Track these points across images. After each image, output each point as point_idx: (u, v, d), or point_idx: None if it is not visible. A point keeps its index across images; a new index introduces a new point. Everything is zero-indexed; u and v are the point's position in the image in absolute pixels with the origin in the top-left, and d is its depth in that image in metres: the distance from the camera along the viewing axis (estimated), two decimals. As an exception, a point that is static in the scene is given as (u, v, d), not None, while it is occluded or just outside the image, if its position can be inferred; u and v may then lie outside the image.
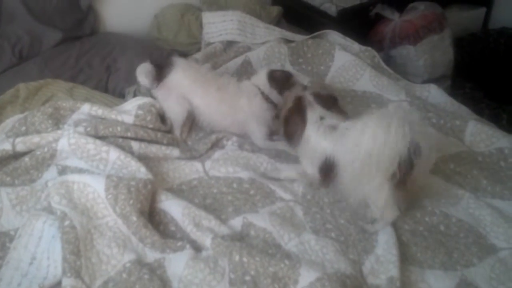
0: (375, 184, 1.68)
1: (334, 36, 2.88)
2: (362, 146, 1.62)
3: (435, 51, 3.03)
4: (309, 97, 2.01)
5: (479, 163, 2.12)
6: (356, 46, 2.80)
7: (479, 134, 2.21)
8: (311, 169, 1.96)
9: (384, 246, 1.69)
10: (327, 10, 3.14)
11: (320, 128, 1.90)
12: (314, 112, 1.96)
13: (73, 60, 2.59)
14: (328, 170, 1.87)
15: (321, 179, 1.94)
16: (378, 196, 1.72)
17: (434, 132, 2.20)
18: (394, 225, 1.77)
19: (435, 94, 2.52)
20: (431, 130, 2.15)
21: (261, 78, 2.18)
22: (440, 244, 1.77)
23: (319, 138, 1.89)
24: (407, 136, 1.59)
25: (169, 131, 2.23)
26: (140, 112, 2.16)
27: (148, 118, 2.16)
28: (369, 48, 2.79)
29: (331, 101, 2.04)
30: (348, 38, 2.86)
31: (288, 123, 2.06)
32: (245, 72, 2.62)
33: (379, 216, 1.77)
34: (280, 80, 2.14)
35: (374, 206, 1.76)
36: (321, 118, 1.93)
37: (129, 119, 2.14)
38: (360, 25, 3.18)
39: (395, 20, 3.11)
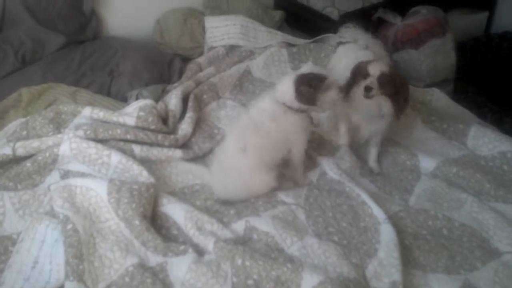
0: None
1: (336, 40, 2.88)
2: None
3: (437, 55, 3.03)
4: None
5: (482, 166, 2.11)
6: (358, 50, 2.80)
7: (482, 138, 2.21)
8: None
9: (386, 249, 1.68)
10: (329, 14, 3.14)
11: None
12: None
13: (76, 64, 2.59)
14: None
15: None
16: None
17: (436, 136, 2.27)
18: (396, 227, 1.76)
19: (438, 98, 2.52)
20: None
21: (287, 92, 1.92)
22: (443, 247, 1.76)
23: None
24: None
25: (171, 132, 2.23)
26: (141, 113, 2.17)
27: (150, 119, 2.17)
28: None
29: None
30: (350, 42, 2.85)
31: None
32: (246, 80, 2.65)
33: None
34: (309, 96, 1.87)
35: None
36: None
37: (130, 121, 2.15)
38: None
39: (397, 24, 3.11)
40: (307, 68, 1.96)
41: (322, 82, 1.87)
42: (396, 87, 1.94)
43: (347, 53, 2.27)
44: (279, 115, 1.90)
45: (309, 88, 1.86)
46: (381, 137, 2.16)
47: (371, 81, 1.92)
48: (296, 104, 1.89)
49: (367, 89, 1.92)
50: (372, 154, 2.18)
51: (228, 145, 1.95)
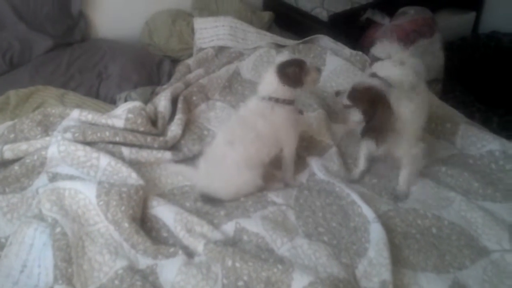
0: None
1: (325, 41, 2.89)
2: None
3: (425, 55, 3.04)
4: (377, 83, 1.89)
5: (470, 166, 2.13)
6: (347, 50, 2.81)
7: (470, 137, 2.22)
8: None
9: (375, 248, 1.69)
10: (318, 15, 3.15)
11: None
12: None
13: (64, 66, 2.58)
14: None
15: None
16: None
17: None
18: (386, 227, 1.77)
19: (426, 97, 2.53)
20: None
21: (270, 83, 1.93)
22: (432, 246, 1.77)
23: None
24: None
25: (160, 134, 2.23)
26: (130, 115, 2.17)
27: (139, 121, 2.16)
28: (360, 53, 2.80)
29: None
30: (339, 43, 2.87)
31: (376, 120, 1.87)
32: (235, 81, 2.65)
33: None
34: (294, 76, 1.89)
35: None
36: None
37: (119, 123, 2.15)
38: (351, 30, 3.19)
39: (385, 25, 3.12)
40: (283, 56, 1.96)
41: (304, 64, 1.92)
42: (366, 108, 1.86)
43: (380, 70, 2.21)
44: (267, 111, 1.92)
45: (294, 68, 1.89)
46: (408, 163, 2.01)
47: (344, 89, 1.95)
48: (282, 92, 1.91)
49: (336, 93, 1.98)
50: (400, 177, 2.04)
51: (217, 139, 1.97)
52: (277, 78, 1.90)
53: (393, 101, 1.84)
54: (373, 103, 1.84)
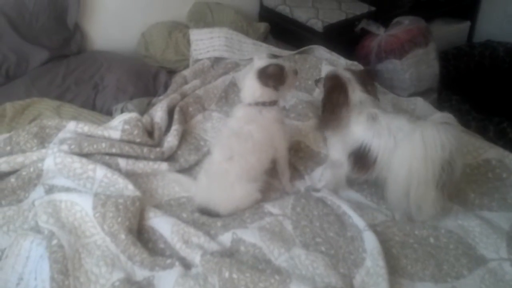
0: (421, 191, 1.79)
1: (320, 51, 2.91)
2: (409, 160, 1.76)
3: (420, 64, 3.07)
4: (347, 75, 1.98)
5: (467, 175, 2.12)
6: (342, 60, 2.83)
7: (466, 146, 2.22)
8: (338, 155, 2.00)
9: (371, 257, 1.69)
10: (313, 26, 3.17)
11: (361, 115, 1.92)
12: (355, 94, 1.94)
13: (60, 78, 2.58)
14: (359, 158, 1.92)
15: (350, 166, 1.97)
16: (424, 201, 1.83)
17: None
18: (383, 236, 1.77)
19: (422, 107, 2.54)
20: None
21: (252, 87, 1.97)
22: (430, 256, 1.77)
23: (358, 125, 1.92)
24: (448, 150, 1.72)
25: (157, 145, 2.23)
26: (126, 126, 2.16)
27: (135, 132, 2.16)
28: (355, 63, 2.81)
29: (369, 77, 2.04)
30: (334, 53, 2.88)
31: (331, 102, 1.98)
32: (232, 92, 2.65)
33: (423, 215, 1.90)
34: (275, 75, 1.93)
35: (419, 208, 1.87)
36: (361, 102, 1.94)
37: (115, 134, 2.14)
38: (346, 40, 3.21)
39: (380, 35, 3.14)
40: (262, 61, 1.99)
41: (282, 66, 1.96)
42: (326, 93, 1.99)
43: None
44: (256, 116, 1.94)
45: (274, 68, 1.93)
46: None
47: (320, 78, 2.12)
48: (267, 95, 1.95)
49: (315, 81, 2.19)
50: None
51: (214, 156, 1.96)
52: (260, 82, 1.93)
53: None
54: (332, 89, 1.96)
